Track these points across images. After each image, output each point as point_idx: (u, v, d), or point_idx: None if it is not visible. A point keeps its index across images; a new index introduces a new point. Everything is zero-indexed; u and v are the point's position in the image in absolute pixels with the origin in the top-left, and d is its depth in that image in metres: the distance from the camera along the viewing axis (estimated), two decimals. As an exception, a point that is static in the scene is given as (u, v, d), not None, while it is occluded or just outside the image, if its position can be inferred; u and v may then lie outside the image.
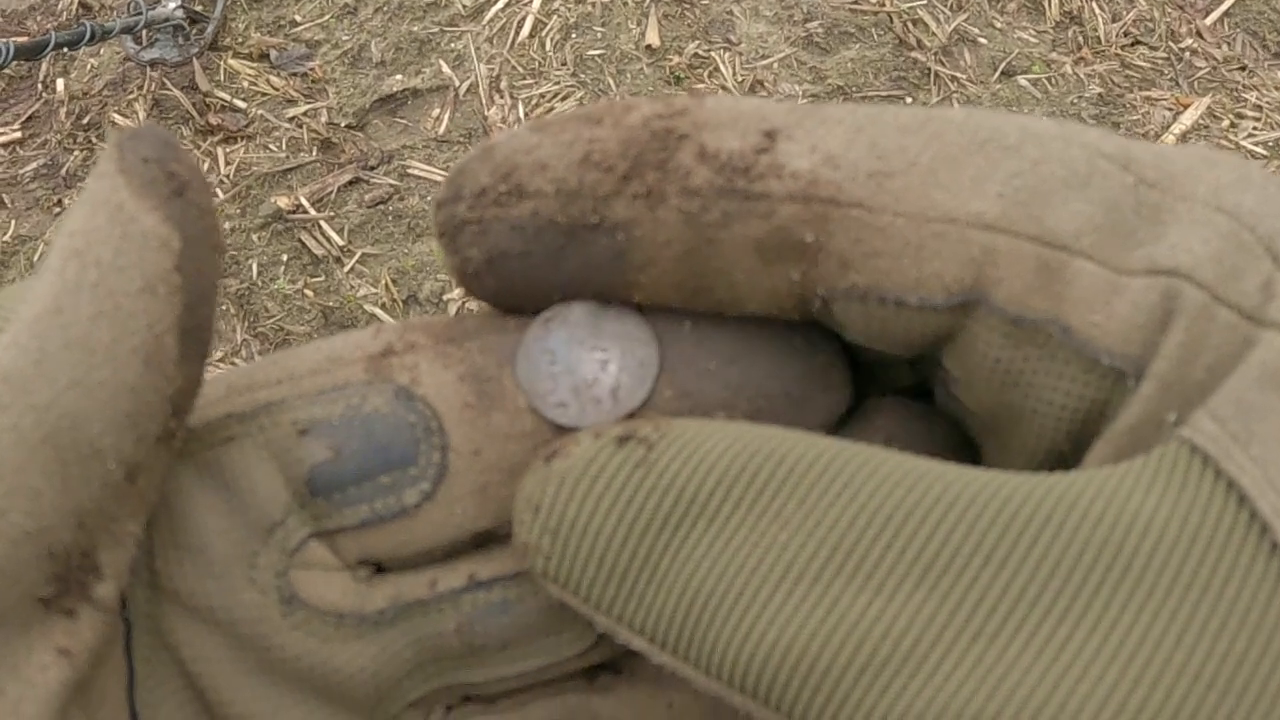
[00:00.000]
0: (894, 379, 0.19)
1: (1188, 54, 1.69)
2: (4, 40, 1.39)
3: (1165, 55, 1.70)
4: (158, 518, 0.18)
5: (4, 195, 1.69)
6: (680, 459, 0.15)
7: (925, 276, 0.15)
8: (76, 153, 1.71)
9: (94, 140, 1.72)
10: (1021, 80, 1.66)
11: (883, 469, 0.15)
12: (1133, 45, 1.70)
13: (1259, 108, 1.66)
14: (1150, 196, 0.15)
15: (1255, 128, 1.64)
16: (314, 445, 0.18)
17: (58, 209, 1.68)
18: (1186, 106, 1.63)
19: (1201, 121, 1.63)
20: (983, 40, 1.69)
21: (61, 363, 0.15)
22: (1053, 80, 1.66)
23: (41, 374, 0.15)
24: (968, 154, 0.15)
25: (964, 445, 0.18)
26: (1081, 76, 1.66)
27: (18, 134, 1.75)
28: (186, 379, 0.16)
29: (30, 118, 1.77)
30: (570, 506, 0.16)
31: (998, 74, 1.66)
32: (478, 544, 0.19)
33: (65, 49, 1.51)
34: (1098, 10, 1.71)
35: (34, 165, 1.72)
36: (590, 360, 0.18)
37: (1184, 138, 1.61)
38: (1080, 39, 1.69)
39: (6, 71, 1.75)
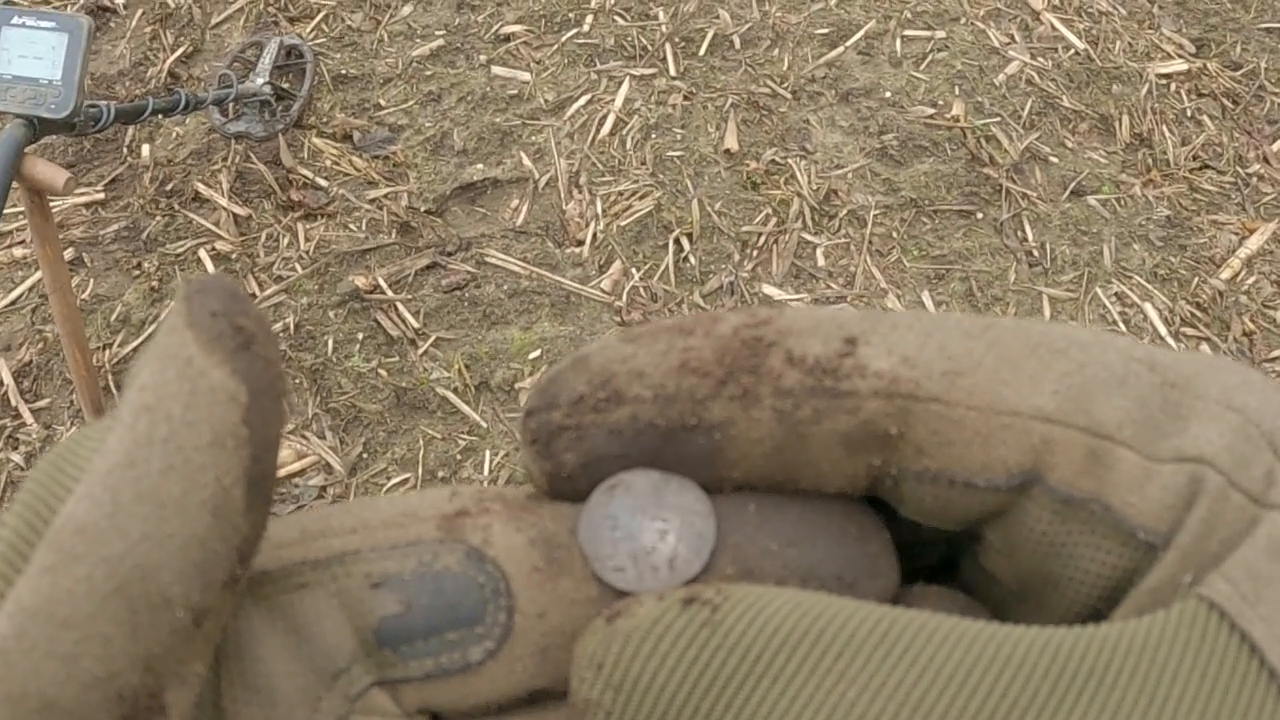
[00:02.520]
0: (923, 557, 0.21)
1: (1255, 179, 1.72)
2: (106, 102, 1.38)
3: (1233, 180, 1.72)
4: (227, 657, 0.18)
5: (84, 254, 1.71)
6: (745, 620, 0.16)
7: (992, 461, 0.17)
8: (158, 218, 1.72)
9: (176, 207, 1.75)
10: (1091, 200, 1.69)
11: (940, 630, 0.16)
12: (1201, 169, 1.72)
13: (1324, 234, 1.67)
14: (1173, 395, 0.18)
15: (1319, 253, 1.65)
16: (385, 598, 0.18)
17: (136, 272, 1.70)
18: (1252, 231, 1.65)
19: (1267, 247, 1.65)
20: (1054, 159, 1.71)
21: (134, 516, 0.15)
22: (1122, 201, 1.69)
23: (114, 527, 0.15)
24: (1024, 356, 0.18)
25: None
26: (1150, 198, 1.68)
27: (100, 195, 1.77)
28: (252, 527, 0.17)
29: (114, 180, 1.79)
30: (635, 664, 0.16)
31: (1067, 193, 1.69)
32: (532, 700, 0.19)
33: (161, 115, 1.52)
34: (1167, 134, 1.74)
35: (115, 227, 1.73)
36: (650, 529, 0.18)
37: (1249, 262, 1.63)
38: (1150, 161, 1.72)
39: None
